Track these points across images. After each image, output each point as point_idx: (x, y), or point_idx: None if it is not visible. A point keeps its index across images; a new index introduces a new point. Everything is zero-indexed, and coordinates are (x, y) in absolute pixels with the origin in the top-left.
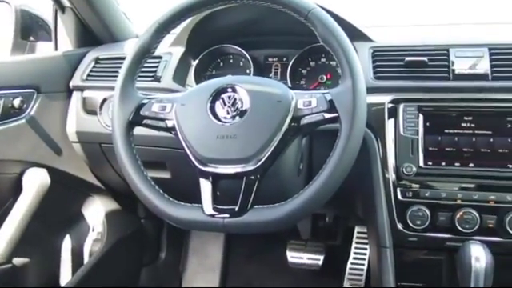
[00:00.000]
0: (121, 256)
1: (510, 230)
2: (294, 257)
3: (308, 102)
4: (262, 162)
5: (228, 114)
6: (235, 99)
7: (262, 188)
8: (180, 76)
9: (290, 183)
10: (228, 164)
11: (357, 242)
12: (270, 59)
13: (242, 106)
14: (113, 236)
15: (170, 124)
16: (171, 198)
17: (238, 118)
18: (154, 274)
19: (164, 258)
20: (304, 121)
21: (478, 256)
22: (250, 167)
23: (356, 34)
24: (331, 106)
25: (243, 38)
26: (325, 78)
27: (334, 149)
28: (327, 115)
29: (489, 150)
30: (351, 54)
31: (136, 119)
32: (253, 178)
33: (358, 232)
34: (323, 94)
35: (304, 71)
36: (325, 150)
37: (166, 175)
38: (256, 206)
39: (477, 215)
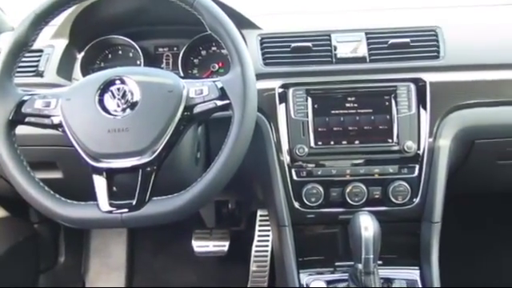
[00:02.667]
0: (14, 265)
1: (393, 199)
2: (199, 246)
3: (200, 90)
4: (157, 153)
5: (118, 106)
6: (125, 91)
7: (160, 179)
8: (65, 70)
9: (189, 172)
10: (122, 158)
11: (260, 225)
12: (160, 49)
13: (132, 98)
14: (3, 245)
15: (56, 120)
16: (63, 198)
17: (128, 110)
18: (54, 280)
19: (63, 261)
20: (197, 109)
21: (367, 225)
22: (145, 159)
23: (243, 22)
24: (222, 94)
25: (131, 28)
26: (217, 66)
27: (228, 135)
28: (219, 102)
29: (371, 127)
30: (239, 41)
31: (17, 117)
32: (149, 169)
33: (261, 215)
34: (214, 81)
35: (196, 60)
36: (221, 138)
37: (57, 175)
38: (155, 198)
39: (364, 188)
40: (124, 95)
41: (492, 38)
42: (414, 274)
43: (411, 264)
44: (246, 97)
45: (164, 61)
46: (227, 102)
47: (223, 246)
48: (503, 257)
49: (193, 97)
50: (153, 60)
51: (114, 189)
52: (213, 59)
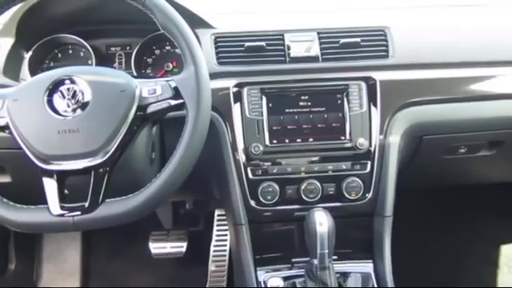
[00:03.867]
0: None
1: (346, 195)
2: (156, 247)
3: (153, 89)
4: (110, 154)
5: (68, 107)
6: (75, 91)
7: (114, 180)
8: (12, 70)
9: (144, 173)
10: (73, 159)
11: (218, 225)
12: (112, 49)
13: (83, 98)
14: None
15: (2, 122)
16: (12, 203)
17: (79, 110)
18: None
19: (14, 269)
20: (150, 109)
21: (321, 221)
22: (97, 160)
23: (197, 21)
24: (176, 93)
25: (82, 26)
26: (171, 65)
27: (183, 135)
28: (173, 102)
29: (324, 125)
30: (192, 40)
31: None
32: (102, 171)
33: (218, 215)
34: (167, 81)
35: (149, 60)
36: (176, 138)
37: (5, 179)
38: (108, 200)
39: (319, 185)
40: (74, 95)
41: (438, 38)
42: (368, 267)
43: (365, 257)
44: (200, 96)
45: (116, 60)
46: (181, 101)
47: (181, 246)
48: (452, 248)
49: (146, 96)
50: (105, 59)
51: (66, 191)
52: (167, 58)
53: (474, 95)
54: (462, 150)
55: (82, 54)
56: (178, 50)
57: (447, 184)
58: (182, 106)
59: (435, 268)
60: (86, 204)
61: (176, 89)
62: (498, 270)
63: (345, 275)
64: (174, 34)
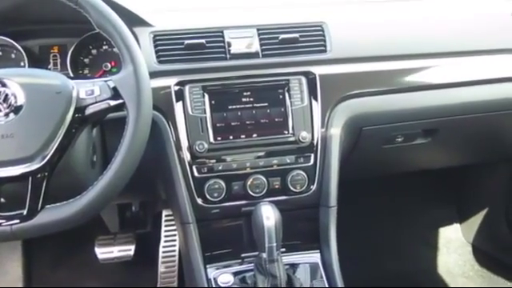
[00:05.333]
0: None
1: (292, 188)
2: (103, 252)
3: (90, 90)
4: (48, 158)
5: (0, 111)
6: (7, 94)
7: (55, 185)
8: None
9: (85, 176)
10: (9, 166)
11: (166, 226)
12: (46, 49)
13: (15, 102)
14: None
15: None
16: None
17: (12, 115)
18: None
19: None
20: (89, 110)
21: (268, 215)
22: (35, 166)
23: (134, 20)
24: (115, 93)
25: (13, 27)
26: (109, 65)
27: (124, 135)
28: (112, 102)
29: (267, 120)
30: (129, 39)
31: None
32: (40, 176)
33: (166, 215)
34: (106, 81)
35: (86, 60)
36: (118, 139)
37: None
38: (48, 206)
39: (264, 179)
40: (6, 99)
41: (374, 33)
42: (315, 257)
43: (312, 248)
44: (140, 95)
45: (51, 61)
46: (121, 101)
47: (129, 250)
48: (394, 233)
49: (84, 98)
50: (38, 61)
51: (2, 200)
52: (105, 58)
53: (410, 86)
54: (400, 139)
55: (13, 55)
56: (115, 50)
57: (387, 172)
58: (122, 107)
59: (379, 253)
60: (25, 211)
61: (115, 89)
62: (437, 252)
63: (293, 266)
64: (110, 32)
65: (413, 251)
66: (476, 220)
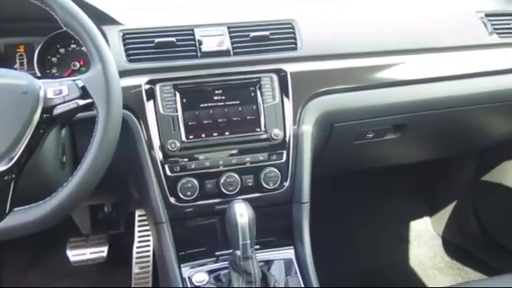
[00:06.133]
0: None
1: (265, 185)
2: (75, 254)
3: (58, 90)
4: (15, 160)
5: None
6: None
7: (24, 187)
8: None
9: (55, 178)
10: None
11: (139, 226)
12: (12, 48)
13: None
14: None
15: None
16: None
17: None
18: None
19: None
20: (57, 110)
21: (242, 213)
22: (2, 167)
23: (102, 18)
24: (84, 93)
25: None
26: (78, 64)
27: (94, 135)
28: (81, 102)
29: (239, 118)
30: (97, 37)
31: None
32: (7, 178)
33: (140, 215)
34: (74, 80)
35: (54, 59)
36: (88, 139)
37: None
38: (16, 209)
39: (237, 177)
40: None
41: (343, 30)
42: (289, 253)
43: (286, 244)
44: (110, 94)
45: (17, 61)
46: (90, 100)
47: (101, 251)
48: (367, 228)
49: (51, 97)
50: (4, 60)
51: None
52: (73, 57)
53: (379, 83)
54: (370, 135)
55: None
56: (84, 48)
57: (359, 168)
58: (91, 106)
59: (352, 248)
60: None
61: (84, 88)
62: (409, 245)
63: (268, 263)
64: (78, 31)
65: (385, 245)
66: (445, 213)
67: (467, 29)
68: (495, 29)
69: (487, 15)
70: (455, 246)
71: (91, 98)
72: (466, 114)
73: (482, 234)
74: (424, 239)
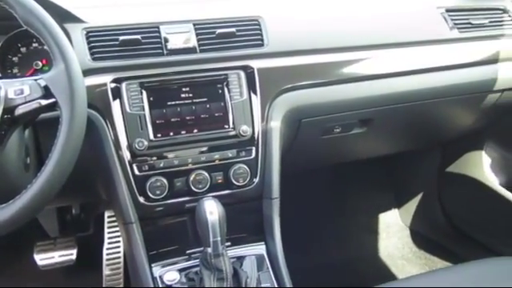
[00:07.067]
0: None
1: (234, 182)
2: (43, 258)
3: (20, 90)
4: None
5: None
6: None
7: None
8: None
9: (18, 180)
10: None
11: (109, 227)
12: None
13: None
14: None
15: None
16: None
17: None
18: None
19: None
20: (19, 111)
21: (212, 210)
22: None
23: (65, 16)
24: (47, 92)
25: None
26: (40, 63)
27: (58, 135)
28: (44, 102)
29: (207, 115)
30: (59, 35)
31: None
32: None
33: (109, 216)
34: (36, 80)
35: (15, 58)
36: (52, 140)
37: None
38: None
39: (207, 175)
40: None
41: (309, 26)
42: (260, 249)
43: (258, 240)
44: (73, 94)
45: None
46: (53, 100)
47: (70, 254)
48: (337, 222)
49: (12, 98)
50: None
51: None
52: (35, 56)
53: (344, 78)
54: (338, 130)
55: None
56: (46, 47)
57: (327, 163)
58: (54, 106)
59: (323, 242)
60: None
61: (46, 88)
62: (378, 237)
63: (240, 259)
64: (38, 29)
65: (355, 238)
66: (412, 204)
67: (429, 24)
68: (456, 24)
69: (448, 10)
70: (423, 236)
71: (54, 97)
72: (430, 107)
73: (448, 224)
74: (392, 230)
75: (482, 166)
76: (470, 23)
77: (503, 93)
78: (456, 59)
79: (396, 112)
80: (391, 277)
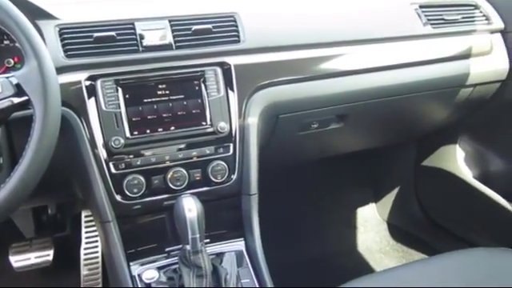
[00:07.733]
0: None
1: (213, 179)
2: (18, 260)
3: None
4: None
5: None
6: None
7: None
8: None
9: None
10: None
11: (86, 227)
12: None
13: None
14: None
15: None
16: None
17: None
18: None
19: None
20: None
21: (190, 207)
22: None
23: (36, 12)
24: (19, 90)
25: None
26: (12, 61)
27: (31, 134)
28: (16, 100)
29: (184, 112)
30: (30, 32)
31: None
32: None
33: (86, 216)
34: (7, 77)
35: None
36: (26, 139)
37: None
38: None
39: (185, 172)
40: None
41: (285, 23)
42: (240, 245)
43: (237, 236)
44: (47, 92)
45: None
46: (25, 98)
47: (47, 255)
48: (316, 216)
49: None
50: None
51: None
52: (6, 54)
53: (321, 73)
54: (315, 125)
55: None
56: (18, 44)
57: (305, 158)
58: (27, 104)
59: (302, 237)
60: None
61: (18, 85)
62: (356, 231)
63: (219, 256)
64: (9, 26)
65: (333, 232)
66: (389, 199)
67: (403, 20)
68: (429, 20)
69: (421, 6)
70: (400, 229)
71: (27, 95)
72: (404, 103)
73: (424, 217)
74: (370, 225)
75: (457, 160)
76: (442, 19)
77: (475, 87)
78: (429, 54)
79: (371, 107)
80: (369, 270)
